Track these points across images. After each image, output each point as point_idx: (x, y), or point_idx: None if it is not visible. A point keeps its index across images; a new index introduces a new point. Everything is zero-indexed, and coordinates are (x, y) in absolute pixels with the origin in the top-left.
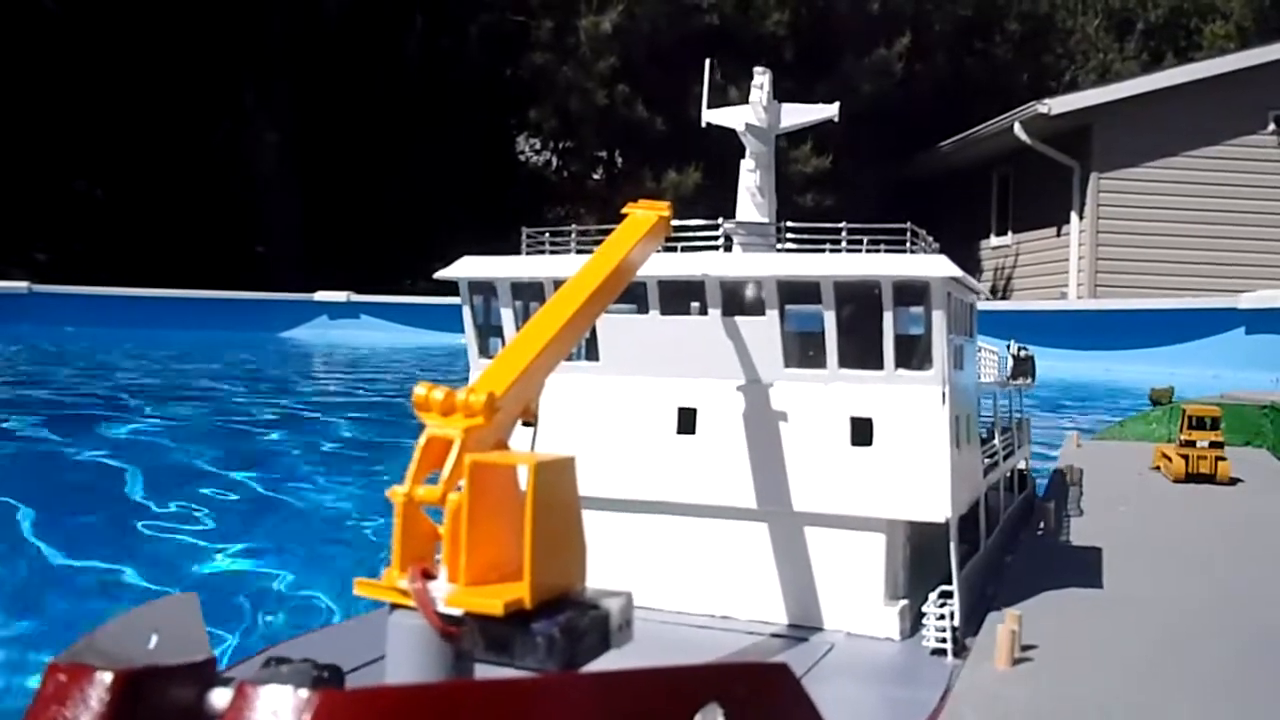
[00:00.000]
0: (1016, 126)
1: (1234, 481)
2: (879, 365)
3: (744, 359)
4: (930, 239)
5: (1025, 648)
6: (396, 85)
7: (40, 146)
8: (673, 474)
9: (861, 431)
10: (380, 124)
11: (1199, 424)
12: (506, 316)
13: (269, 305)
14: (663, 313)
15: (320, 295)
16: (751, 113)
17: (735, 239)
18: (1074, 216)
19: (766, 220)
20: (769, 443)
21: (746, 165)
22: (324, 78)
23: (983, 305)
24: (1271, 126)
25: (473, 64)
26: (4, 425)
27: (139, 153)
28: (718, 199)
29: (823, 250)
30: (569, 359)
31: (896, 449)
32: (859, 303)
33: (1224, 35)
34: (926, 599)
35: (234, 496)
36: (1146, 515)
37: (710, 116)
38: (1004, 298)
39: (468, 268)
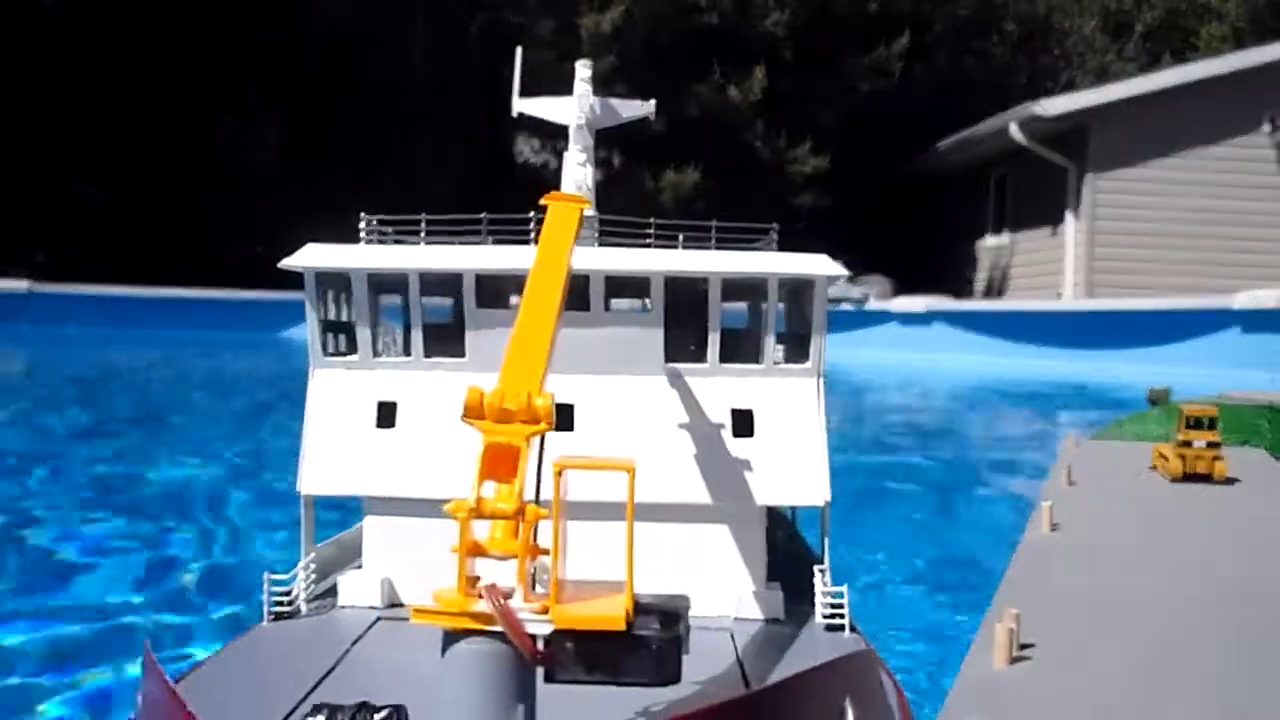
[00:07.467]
0: (1012, 127)
1: (1230, 481)
2: (758, 359)
3: (623, 354)
4: (774, 236)
5: (1023, 646)
6: (397, 85)
7: (39, 148)
8: (549, 471)
9: (742, 423)
10: (380, 124)
11: (1197, 424)
12: (360, 312)
13: (268, 305)
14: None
15: None
16: (576, 105)
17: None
18: (1069, 216)
19: (591, 214)
20: (650, 437)
21: (575, 159)
22: (324, 78)
23: (980, 305)
24: (1267, 127)
25: (472, 63)
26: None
27: (138, 154)
28: (716, 199)
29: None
30: (434, 356)
31: (776, 438)
32: (741, 298)
33: (1220, 37)
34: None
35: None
36: (1144, 514)
37: (523, 106)
38: (999, 295)
39: (316, 256)
